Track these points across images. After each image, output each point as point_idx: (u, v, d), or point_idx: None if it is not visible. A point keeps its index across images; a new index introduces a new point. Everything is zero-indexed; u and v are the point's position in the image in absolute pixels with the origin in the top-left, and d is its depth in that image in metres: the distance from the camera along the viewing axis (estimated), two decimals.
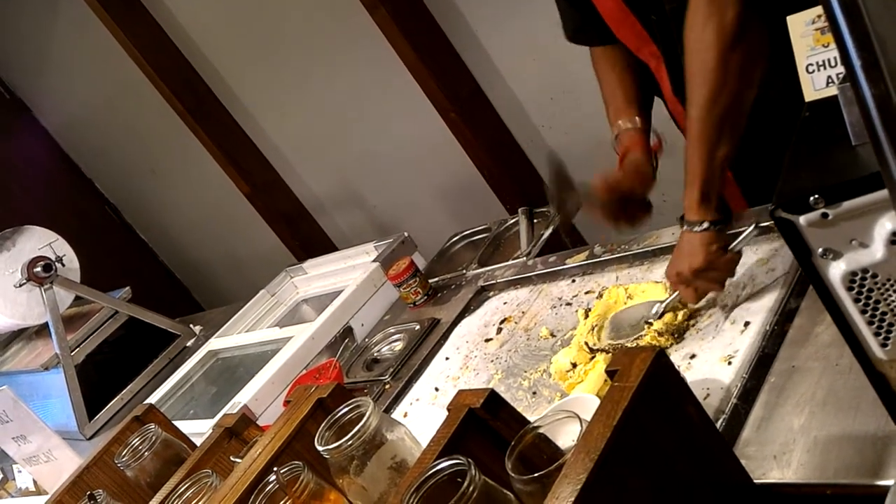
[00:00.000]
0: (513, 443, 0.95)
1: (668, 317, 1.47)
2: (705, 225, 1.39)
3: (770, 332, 1.32)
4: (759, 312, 1.38)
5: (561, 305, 1.79)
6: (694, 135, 1.38)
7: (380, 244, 2.55)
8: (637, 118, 1.72)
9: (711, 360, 1.35)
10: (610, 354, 1.45)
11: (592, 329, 1.56)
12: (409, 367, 1.94)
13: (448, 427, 1.03)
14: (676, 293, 1.49)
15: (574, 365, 1.49)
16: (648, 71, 1.75)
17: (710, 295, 1.49)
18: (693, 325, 1.47)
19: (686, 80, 1.40)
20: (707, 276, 1.42)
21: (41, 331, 3.23)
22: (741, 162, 1.51)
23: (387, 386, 1.93)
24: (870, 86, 0.59)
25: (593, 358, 1.49)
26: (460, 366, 1.83)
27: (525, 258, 2.06)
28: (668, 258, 1.68)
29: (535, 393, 1.57)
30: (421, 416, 1.75)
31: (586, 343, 1.52)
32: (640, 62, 1.74)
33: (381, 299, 2.35)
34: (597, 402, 0.92)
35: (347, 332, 2.28)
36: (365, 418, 1.11)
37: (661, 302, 1.51)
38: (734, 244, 1.42)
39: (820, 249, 0.84)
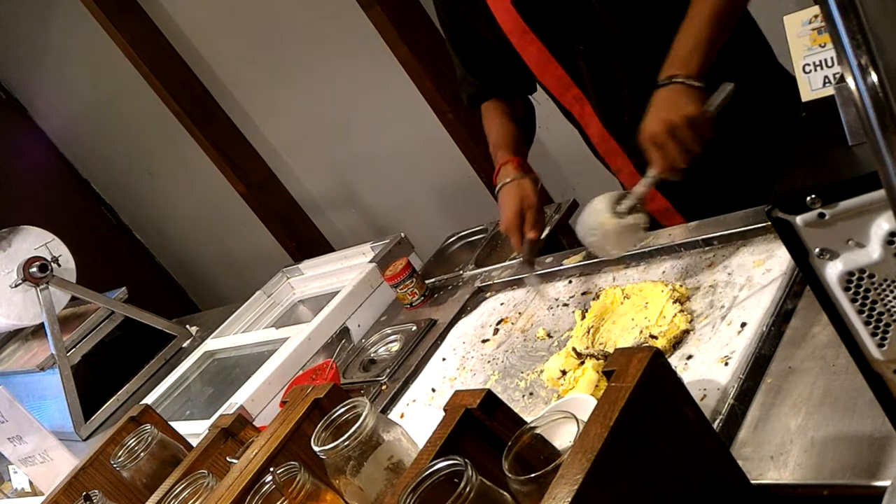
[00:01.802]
0: (509, 443, 0.95)
1: (669, 328, 1.46)
2: (694, 82, 1.43)
3: (767, 333, 1.32)
4: (755, 313, 1.38)
5: (558, 306, 1.79)
6: (707, 14, 1.46)
7: (376, 245, 2.55)
8: (514, 152, 1.83)
9: (708, 361, 1.35)
10: (599, 361, 1.45)
11: (588, 331, 1.56)
12: (406, 367, 1.94)
13: (445, 428, 1.03)
14: (648, 176, 1.48)
15: (564, 372, 1.49)
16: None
17: (708, 297, 1.50)
18: (690, 329, 1.47)
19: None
20: (684, 135, 1.42)
21: (37, 331, 3.22)
22: (716, 165, 1.55)
23: (383, 387, 1.93)
24: (866, 85, 0.59)
25: (582, 363, 1.48)
26: (457, 366, 1.83)
27: (521, 259, 2.06)
28: (665, 259, 1.69)
29: (531, 394, 1.57)
30: (417, 416, 1.75)
31: (574, 349, 1.51)
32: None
33: (378, 300, 2.35)
34: (593, 402, 0.92)
35: (344, 332, 2.27)
36: (361, 419, 1.11)
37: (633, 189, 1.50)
38: (708, 102, 1.44)
39: (817, 249, 0.84)
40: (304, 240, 4.35)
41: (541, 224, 1.74)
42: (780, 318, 1.33)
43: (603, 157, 1.86)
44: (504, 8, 1.69)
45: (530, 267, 1.79)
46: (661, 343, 1.44)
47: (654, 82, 1.51)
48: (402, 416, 1.78)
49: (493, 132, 1.90)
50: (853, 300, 0.85)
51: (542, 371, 1.60)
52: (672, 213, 1.85)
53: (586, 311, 1.64)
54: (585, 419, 0.90)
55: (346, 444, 1.10)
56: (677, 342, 1.44)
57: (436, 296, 2.20)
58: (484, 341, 1.85)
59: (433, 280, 2.28)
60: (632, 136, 1.75)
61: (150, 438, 1.54)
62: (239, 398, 2.10)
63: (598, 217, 1.50)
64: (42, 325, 3.00)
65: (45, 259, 2.96)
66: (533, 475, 0.89)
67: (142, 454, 1.52)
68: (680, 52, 1.47)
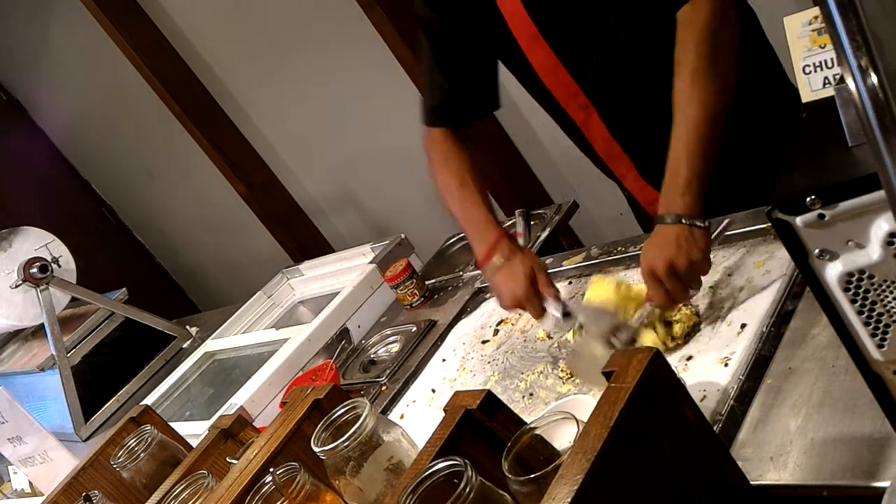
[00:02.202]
0: (509, 444, 0.95)
1: (675, 329, 1.46)
2: (699, 222, 1.39)
3: (766, 334, 1.32)
4: (755, 314, 1.38)
5: None
6: (695, 133, 1.41)
7: (376, 246, 2.55)
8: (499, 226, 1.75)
9: (708, 362, 1.35)
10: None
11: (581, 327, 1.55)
12: (406, 368, 1.94)
13: (444, 428, 1.03)
14: (645, 310, 1.45)
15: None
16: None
17: (708, 298, 1.50)
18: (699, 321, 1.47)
19: (684, 83, 1.43)
20: (687, 278, 1.40)
21: (37, 332, 3.22)
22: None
23: (383, 387, 1.93)
24: (866, 87, 0.60)
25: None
26: (457, 367, 1.83)
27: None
28: None
29: (531, 394, 1.57)
30: (417, 417, 1.75)
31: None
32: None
33: (378, 301, 2.35)
34: (593, 403, 0.92)
35: (344, 333, 2.27)
36: (361, 420, 1.11)
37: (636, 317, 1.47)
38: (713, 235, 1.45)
39: (816, 250, 0.84)
40: (304, 241, 4.35)
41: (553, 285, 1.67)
42: (780, 319, 1.34)
43: (606, 163, 1.84)
44: (515, 9, 1.66)
45: (567, 318, 1.63)
46: (677, 330, 1.43)
47: (665, 97, 1.48)
48: (402, 416, 1.78)
49: (467, 199, 1.78)
50: (853, 301, 0.85)
51: (541, 371, 1.60)
52: None
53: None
54: (585, 420, 0.90)
55: (345, 444, 1.10)
56: (688, 333, 1.44)
57: (436, 297, 2.20)
58: (484, 342, 1.85)
59: (433, 281, 2.28)
60: (639, 145, 1.76)
61: (150, 439, 1.54)
62: (239, 399, 2.10)
63: (594, 350, 1.46)
64: (42, 325, 3.01)
65: (45, 260, 2.96)
66: (533, 476, 0.89)
67: (142, 455, 1.52)
68: (678, 183, 1.42)
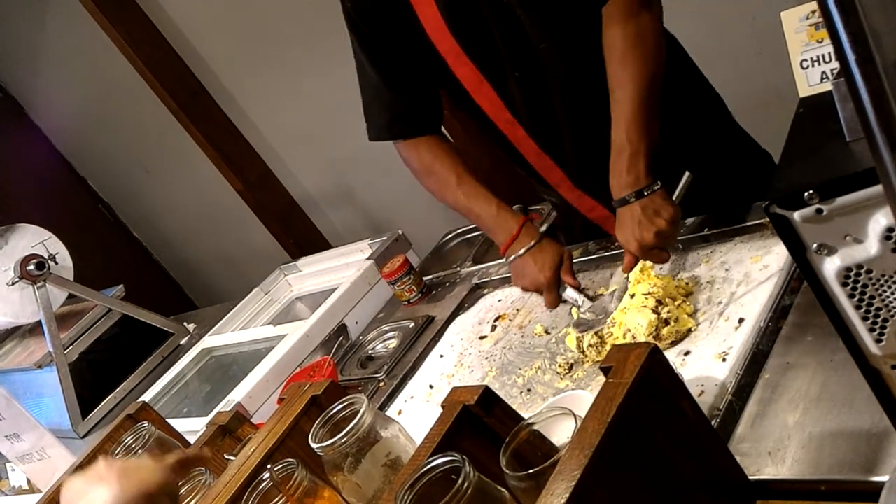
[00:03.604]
0: (507, 439, 0.95)
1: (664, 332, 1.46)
2: (657, 186, 1.51)
3: (764, 329, 1.32)
4: (753, 309, 1.38)
5: None
6: (634, 112, 1.52)
7: (374, 242, 2.55)
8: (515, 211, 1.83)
9: (706, 357, 1.36)
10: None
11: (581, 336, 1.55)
12: (404, 364, 1.94)
13: (442, 424, 1.03)
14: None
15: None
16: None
17: (706, 293, 1.50)
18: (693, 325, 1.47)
19: (615, 68, 1.55)
20: (662, 242, 1.52)
21: (34, 329, 3.22)
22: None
23: (381, 383, 1.93)
24: (864, 81, 0.59)
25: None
26: (455, 363, 1.83)
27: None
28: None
29: (529, 390, 1.57)
30: (415, 413, 1.75)
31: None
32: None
33: (376, 297, 2.35)
34: (591, 398, 0.92)
35: (341, 329, 2.27)
36: (359, 416, 1.11)
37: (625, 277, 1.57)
38: (674, 197, 1.55)
39: (814, 245, 0.84)
40: (301, 237, 4.35)
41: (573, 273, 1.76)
42: (778, 313, 1.34)
43: (539, 173, 1.86)
44: (439, 29, 1.67)
45: (584, 302, 1.71)
46: (667, 331, 1.44)
47: (590, 107, 1.63)
48: (399, 412, 1.78)
49: (473, 193, 1.81)
50: (851, 296, 0.85)
51: (539, 367, 1.60)
52: (612, 218, 1.85)
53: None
54: (583, 415, 0.90)
55: (343, 440, 1.10)
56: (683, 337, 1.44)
57: (433, 293, 2.20)
58: (482, 338, 1.85)
59: (431, 277, 2.27)
60: (570, 156, 1.79)
61: (147, 436, 1.54)
62: (236, 395, 2.10)
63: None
64: (39, 322, 3.00)
65: (42, 257, 2.95)
66: (531, 471, 0.89)
67: (139, 451, 1.51)
68: (622, 163, 1.53)
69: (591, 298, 1.69)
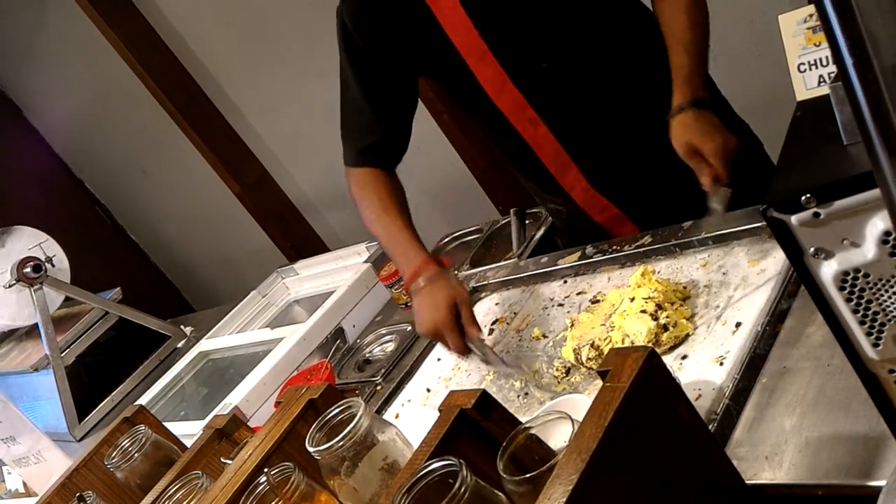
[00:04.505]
0: (504, 443, 0.95)
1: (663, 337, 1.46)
2: (706, 105, 1.58)
3: (762, 333, 1.31)
4: (750, 313, 1.38)
5: (553, 306, 1.79)
6: (696, 44, 1.61)
7: (371, 245, 2.55)
8: (426, 252, 1.83)
9: (703, 361, 1.35)
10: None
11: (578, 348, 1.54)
12: (401, 367, 1.94)
13: (439, 428, 1.02)
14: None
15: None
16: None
17: (703, 297, 1.50)
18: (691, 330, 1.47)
19: (671, 19, 1.64)
20: (720, 146, 1.55)
21: (31, 332, 3.22)
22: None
23: (378, 387, 1.93)
24: (861, 85, 0.59)
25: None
26: (452, 367, 1.83)
27: (517, 259, 2.06)
28: (660, 259, 1.69)
29: (526, 394, 1.57)
30: (412, 417, 1.74)
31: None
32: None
33: (373, 300, 2.35)
34: (588, 402, 0.92)
35: (339, 333, 2.27)
36: (356, 419, 1.11)
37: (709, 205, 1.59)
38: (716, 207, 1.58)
39: (812, 249, 0.83)
40: (298, 239, 4.35)
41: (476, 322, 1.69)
42: (775, 317, 1.33)
43: (554, 176, 1.85)
44: (464, 29, 1.66)
45: (495, 360, 1.67)
46: (666, 337, 1.43)
47: (616, 97, 1.67)
48: (396, 416, 1.78)
49: (391, 223, 1.84)
50: (848, 300, 0.84)
51: (536, 371, 1.60)
52: (622, 219, 1.87)
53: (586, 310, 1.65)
54: (580, 419, 0.89)
55: (340, 444, 1.09)
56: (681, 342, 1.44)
57: None
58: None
59: None
60: (588, 155, 1.79)
61: (144, 439, 1.53)
62: (233, 399, 2.10)
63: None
64: (36, 325, 3.00)
65: (38, 259, 2.95)
66: (528, 475, 0.88)
67: (136, 455, 1.51)
68: (682, 77, 1.60)
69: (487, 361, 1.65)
